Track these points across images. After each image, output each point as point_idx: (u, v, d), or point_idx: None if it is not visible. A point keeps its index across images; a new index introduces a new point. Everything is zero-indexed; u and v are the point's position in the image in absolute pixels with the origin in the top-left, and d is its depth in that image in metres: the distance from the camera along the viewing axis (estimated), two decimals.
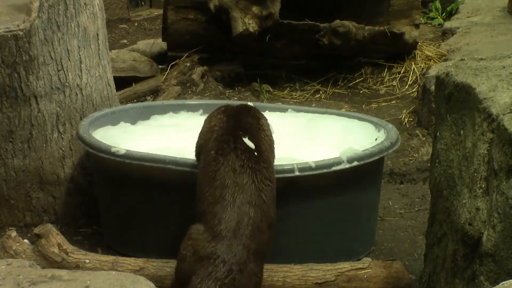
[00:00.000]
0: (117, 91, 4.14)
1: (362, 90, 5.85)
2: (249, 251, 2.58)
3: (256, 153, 2.77)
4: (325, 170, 3.00)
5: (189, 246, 2.63)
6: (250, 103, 3.38)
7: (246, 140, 2.80)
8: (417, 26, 5.89)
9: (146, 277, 2.32)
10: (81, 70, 3.63)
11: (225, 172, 2.72)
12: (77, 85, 3.62)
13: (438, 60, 5.81)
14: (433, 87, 3.70)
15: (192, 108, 3.84)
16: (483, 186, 2.10)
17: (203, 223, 2.67)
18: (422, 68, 5.82)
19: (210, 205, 2.68)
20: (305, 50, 5.92)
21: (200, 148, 2.90)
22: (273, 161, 2.91)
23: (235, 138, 2.79)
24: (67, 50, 3.55)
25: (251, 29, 5.44)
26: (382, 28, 5.78)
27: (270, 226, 2.71)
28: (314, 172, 2.98)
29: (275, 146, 3.02)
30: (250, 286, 2.58)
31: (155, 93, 5.59)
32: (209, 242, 2.59)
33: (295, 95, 5.80)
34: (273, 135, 3.01)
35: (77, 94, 3.63)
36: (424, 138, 4.72)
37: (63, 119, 3.58)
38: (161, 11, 6.49)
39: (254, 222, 2.63)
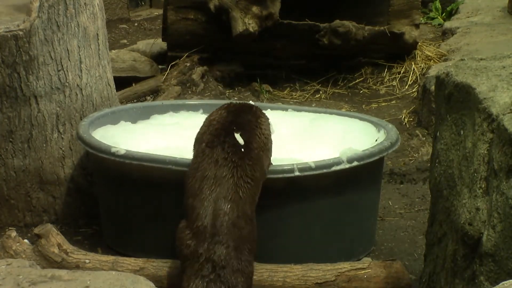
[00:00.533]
0: (117, 91, 4.14)
1: (362, 90, 5.85)
2: (228, 248, 2.59)
3: (243, 149, 2.78)
4: (325, 170, 3.00)
5: (177, 245, 2.68)
6: (251, 103, 3.40)
7: (237, 135, 2.81)
8: (417, 26, 5.89)
9: (146, 277, 2.32)
10: (81, 70, 3.63)
11: (207, 164, 2.75)
12: (77, 85, 3.62)
13: (438, 60, 5.81)
14: (433, 87, 3.70)
15: (192, 108, 3.84)
16: (483, 186, 2.10)
17: (185, 217, 2.71)
18: (422, 68, 5.82)
19: (190, 197, 2.73)
20: (305, 50, 5.92)
21: (196, 141, 2.93)
22: (267, 160, 2.92)
23: (227, 133, 2.82)
24: (67, 50, 3.55)
25: (251, 29, 5.44)
26: (382, 28, 5.78)
27: (249, 222, 2.70)
28: (314, 172, 2.98)
29: (276, 146, 3.03)
30: (237, 282, 2.59)
31: (155, 93, 5.59)
32: (190, 239, 2.63)
33: (295, 95, 5.80)
34: (273, 135, 3.01)
35: (77, 94, 3.63)
36: (424, 138, 4.72)
37: (63, 119, 3.58)
38: (161, 11, 6.49)
39: (229, 218, 2.64)
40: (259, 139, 2.88)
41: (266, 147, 2.92)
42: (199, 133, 2.95)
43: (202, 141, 2.85)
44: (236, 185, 2.71)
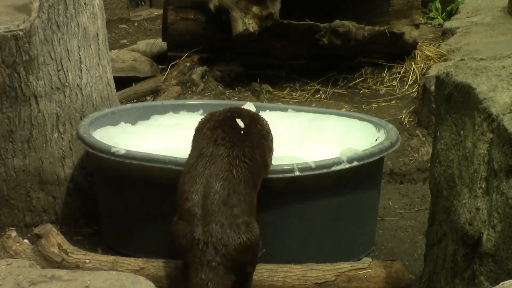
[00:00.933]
0: (117, 91, 4.14)
1: (362, 90, 5.85)
2: (222, 226, 2.59)
3: (243, 132, 2.82)
4: (325, 170, 3.00)
5: (175, 238, 2.68)
6: (250, 103, 3.42)
7: (238, 120, 2.87)
8: (417, 26, 5.89)
9: (146, 277, 2.32)
10: (81, 70, 3.63)
11: (206, 143, 2.79)
12: (77, 85, 3.62)
13: (438, 60, 5.81)
14: (433, 87, 3.70)
15: (192, 108, 3.84)
16: (483, 186, 2.10)
17: (176, 204, 2.72)
18: (422, 68, 5.82)
19: (183, 175, 2.74)
20: (305, 50, 5.92)
21: (197, 130, 2.96)
22: (269, 152, 2.95)
23: (228, 119, 2.88)
24: (67, 50, 3.55)
25: (251, 29, 5.44)
26: (382, 28, 5.78)
27: (242, 200, 2.69)
28: (314, 172, 2.98)
29: (276, 146, 3.04)
30: (246, 256, 2.60)
31: (155, 93, 5.59)
32: (185, 227, 2.63)
33: (295, 95, 5.79)
34: (273, 135, 3.03)
35: (77, 94, 3.63)
36: (424, 138, 4.72)
37: (63, 119, 3.58)
38: (161, 11, 6.49)
39: (220, 196, 2.64)
40: (260, 127, 2.93)
41: (268, 137, 2.96)
42: (200, 122, 2.99)
43: (204, 128, 2.89)
44: (231, 163, 2.72)
